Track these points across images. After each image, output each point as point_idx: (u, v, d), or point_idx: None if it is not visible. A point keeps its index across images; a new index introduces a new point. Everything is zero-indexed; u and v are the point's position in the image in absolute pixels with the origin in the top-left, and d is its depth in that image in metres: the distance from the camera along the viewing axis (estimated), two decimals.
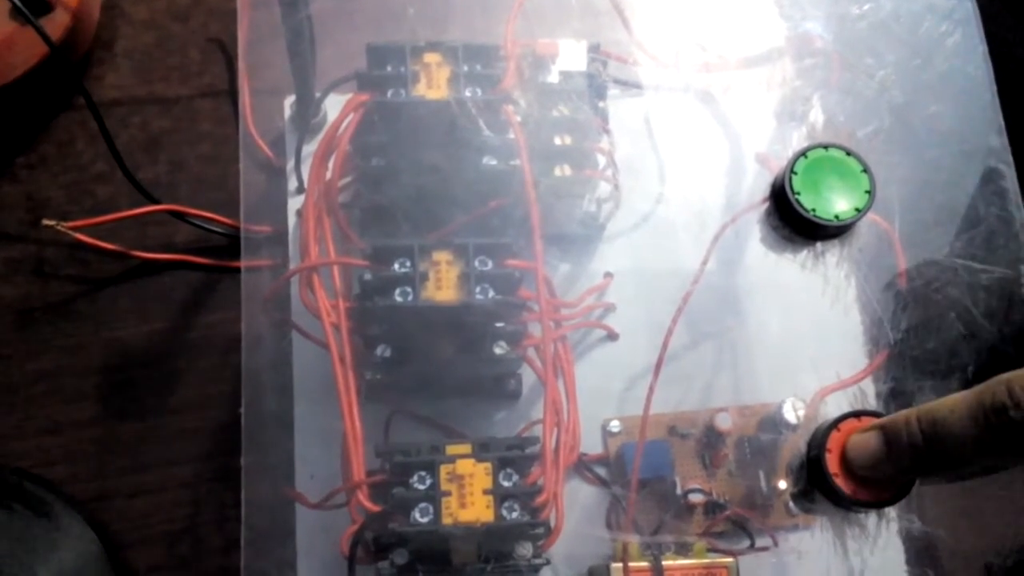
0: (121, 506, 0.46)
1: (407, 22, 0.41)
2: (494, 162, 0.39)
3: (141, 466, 0.46)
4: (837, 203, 0.41)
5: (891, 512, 0.32)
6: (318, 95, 0.45)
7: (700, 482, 0.41)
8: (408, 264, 0.36)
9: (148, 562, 0.45)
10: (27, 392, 0.47)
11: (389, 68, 0.39)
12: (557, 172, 0.41)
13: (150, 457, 0.46)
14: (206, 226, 0.49)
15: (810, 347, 0.42)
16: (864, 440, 0.30)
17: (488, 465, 0.34)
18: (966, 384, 0.39)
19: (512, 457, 0.35)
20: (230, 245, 0.50)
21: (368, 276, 0.37)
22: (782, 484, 0.40)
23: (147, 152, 0.52)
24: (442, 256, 0.37)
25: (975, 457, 0.26)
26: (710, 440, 0.42)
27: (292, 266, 0.43)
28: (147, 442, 0.47)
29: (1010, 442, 0.25)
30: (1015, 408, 0.24)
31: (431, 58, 0.39)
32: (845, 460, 0.31)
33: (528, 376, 0.41)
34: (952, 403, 0.27)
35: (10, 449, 0.46)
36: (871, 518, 0.30)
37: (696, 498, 0.40)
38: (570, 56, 0.42)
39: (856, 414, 0.37)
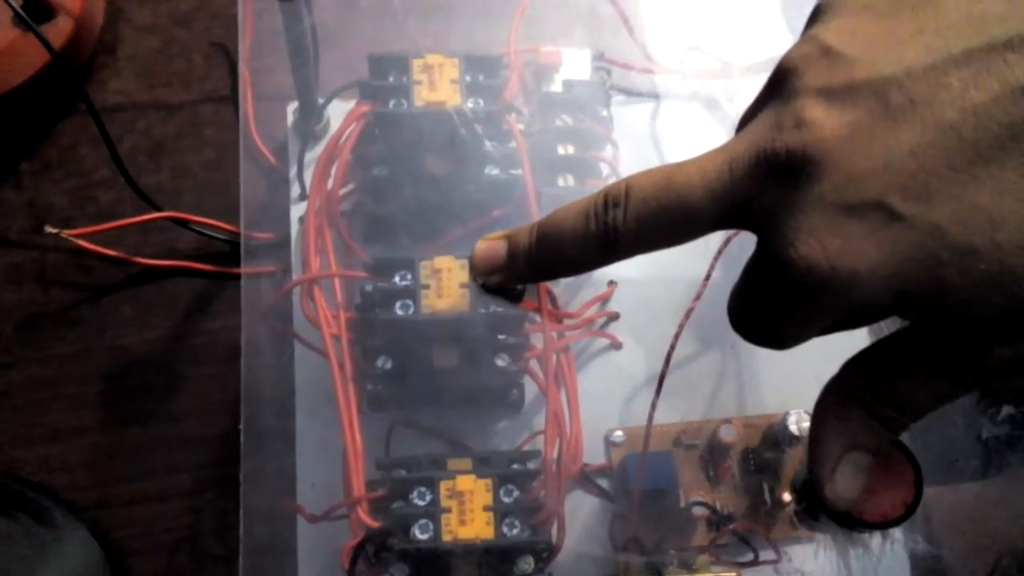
0: (123, 514, 0.45)
1: (409, 32, 0.40)
2: (496, 172, 0.39)
3: (143, 474, 0.46)
4: None
5: (896, 532, 0.31)
6: (321, 101, 0.45)
7: (704, 494, 0.41)
8: (409, 277, 0.36)
9: (149, 570, 0.45)
10: (29, 399, 0.47)
11: (391, 78, 0.39)
12: (560, 182, 0.41)
13: (152, 465, 0.46)
14: (208, 233, 0.49)
15: (815, 360, 0.41)
16: (490, 247, 0.30)
17: (488, 481, 0.33)
18: (974, 400, 0.38)
19: (513, 472, 0.34)
20: (232, 251, 0.50)
21: (369, 288, 0.36)
22: (786, 496, 0.40)
23: (150, 158, 0.51)
24: (444, 263, 0.36)
25: (581, 256, 0.27)
26: (714, 452, 0.41)
27: (295, 273, 0.43)
28: (149, 449, 0.47)
29: (606, 241, 0.26)
30: (614, 207, 0.26)
31: (434, 59, 0.38)
32: (473, 268, 0.31)
33: (530, 385, 0.41)
34: (569, 207, 0.28)
35: (12, 456, 0.46)
36: (875, 538, 0.29)
37: (700, 511, 0.40)
38: (574, 64, 0.42)
39: None
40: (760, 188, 0.23)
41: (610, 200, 0.26)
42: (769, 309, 0.24)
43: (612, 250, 0.27)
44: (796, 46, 0.24)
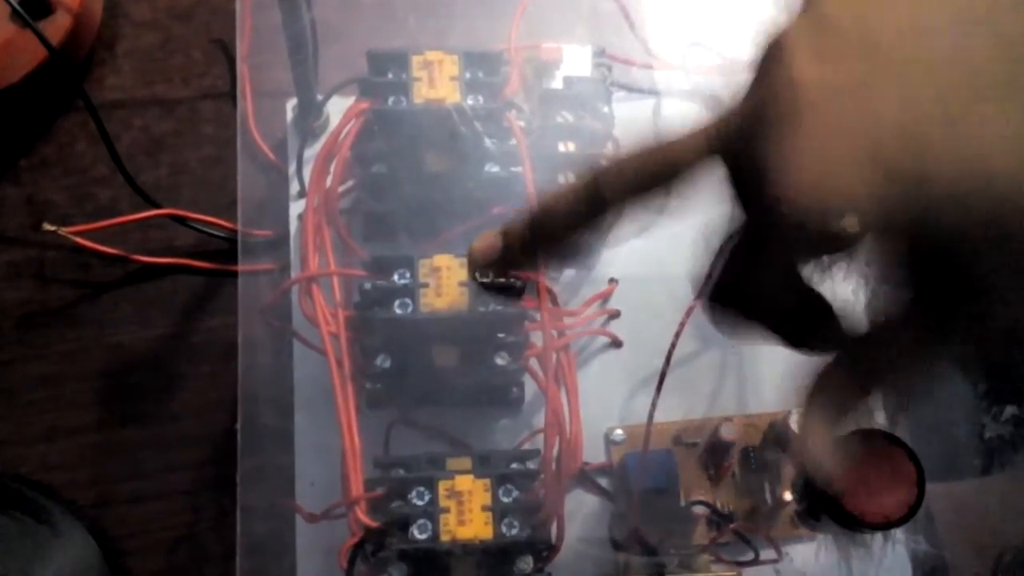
0: (121, 512, 0.45)
1: (408, 28, 0.40)
2: (496, 169, 0.39)
3: (141, 472, 0.46)
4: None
5: (897, 533, 0.31)
6: (320, 98, 0.44)
7: (704, 493, 0.40)
8: (408, 275, 0.36)
9: (148, 569, 0.45)
10: (27, 397, 0.47)
11: (390, 75, 0.39)
12: (561, 180, 0.41)
13: (150, 463, 0.46)
14: (207, 230, 0.49)
15: (817, 360, 0.41)
16: (487, 238, 0.30)
17: (487, 481, 0.33)
18: (978, 399, 0.38)
19: (512, 472, 0.34)
20: (231, 249, 0.49)
21: (368, 286, 0.36)
22: (787, 496, 0.40)
23: (149, 154, 0.51)
24: (443, 261, 0.36)
25: (569, 216, 0.27)
26: (715, 450, 0.41)
27: (293, 271, 0.43)
28: (148, 448, 0.46)
29: (592, 193, 0.27)
30: (598, 164, 0.26)
31: (434, 56, 0.38)
32: (472, 263, 0.31)
33: (530, 384, 0.41)
34: (562, 188, 0.28)
35: (10, 455, 0.46)
36: (877, 539, 0.29)
37: (700, 510, 0.39)
38: (575, 61, 0.41)
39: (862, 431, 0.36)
40: (748, 144, 0.24)
41: (596, 161, 0.27)
42: (759, 260, 0.25)
43: (598, 204, 0.27)
44: (792, 16, 0.25)
